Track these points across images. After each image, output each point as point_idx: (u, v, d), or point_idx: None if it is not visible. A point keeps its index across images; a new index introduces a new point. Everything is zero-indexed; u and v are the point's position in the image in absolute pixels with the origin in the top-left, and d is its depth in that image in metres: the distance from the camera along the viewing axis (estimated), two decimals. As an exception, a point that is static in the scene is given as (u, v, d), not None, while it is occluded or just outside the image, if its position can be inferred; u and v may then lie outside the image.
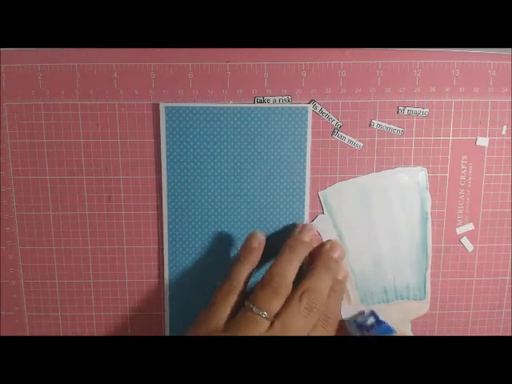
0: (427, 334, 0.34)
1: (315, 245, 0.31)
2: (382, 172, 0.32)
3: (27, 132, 0.32)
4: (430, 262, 0.33)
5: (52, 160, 0.32)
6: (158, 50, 0.31)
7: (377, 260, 0.33)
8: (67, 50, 0.30)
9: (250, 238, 0.30)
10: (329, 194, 0.32)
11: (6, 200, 0.32)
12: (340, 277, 0.31)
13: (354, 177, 0.32)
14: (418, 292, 0.33)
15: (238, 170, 0.32)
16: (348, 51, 0.31)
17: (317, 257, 0.31)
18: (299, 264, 0.29)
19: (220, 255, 0.33)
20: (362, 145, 0.32)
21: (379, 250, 0.33)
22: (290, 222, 0.32)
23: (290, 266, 0.29)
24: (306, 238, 0.30)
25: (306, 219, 0.32)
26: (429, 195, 0.32)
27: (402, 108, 0.31)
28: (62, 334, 0.34)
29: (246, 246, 0.30)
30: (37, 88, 0.31)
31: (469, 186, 0.32)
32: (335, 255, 0.31)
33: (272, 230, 0.32)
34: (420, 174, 0.32)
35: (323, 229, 0.33)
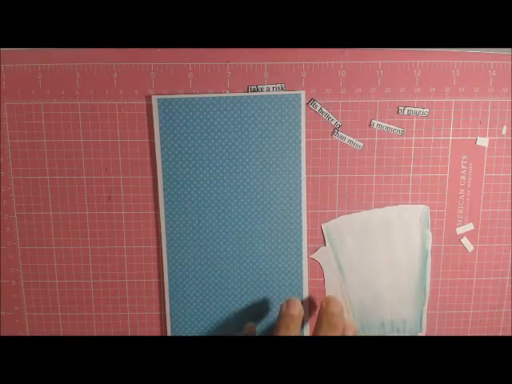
0: (427, 333, 0.34)
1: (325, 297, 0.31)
2: (386, 208, 0.32)
3: (27, 132, 0.32)
4: (427, 298, 0.33)
5: (52, 160, 0.32)
6: (158, 50, 0.31)
7: (376, 294, 0.33)
8: (67, 50, 0.31)
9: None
10: (332, 227, 0.33)
11: (5, 200, 0.32)
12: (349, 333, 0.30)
13: (358, 211, 0.32)
14: (414, 326, 0.34)
15: (237, 163, 0.31)
16: (348, 51, 0.31)
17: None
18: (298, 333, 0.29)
19: (219, 251, 0.33)
20: (361, 145, 0.32)
21: (379, 284, 0.33)
22: (288, 211, 0.32)
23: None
24: (295, 311, 0.29)
25: (303, 206, 0.32)
26: (430, 233, 0.33)
27: (402, 108, 0.31)
28: (62, 334, 0.34)
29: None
30: (37, 88, 0.31)
31: (469, 186, 0.32)
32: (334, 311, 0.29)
33: (271, 230, 0.32)
34: (422, 212, 0.32)
35: (324, 261, 0.33)
